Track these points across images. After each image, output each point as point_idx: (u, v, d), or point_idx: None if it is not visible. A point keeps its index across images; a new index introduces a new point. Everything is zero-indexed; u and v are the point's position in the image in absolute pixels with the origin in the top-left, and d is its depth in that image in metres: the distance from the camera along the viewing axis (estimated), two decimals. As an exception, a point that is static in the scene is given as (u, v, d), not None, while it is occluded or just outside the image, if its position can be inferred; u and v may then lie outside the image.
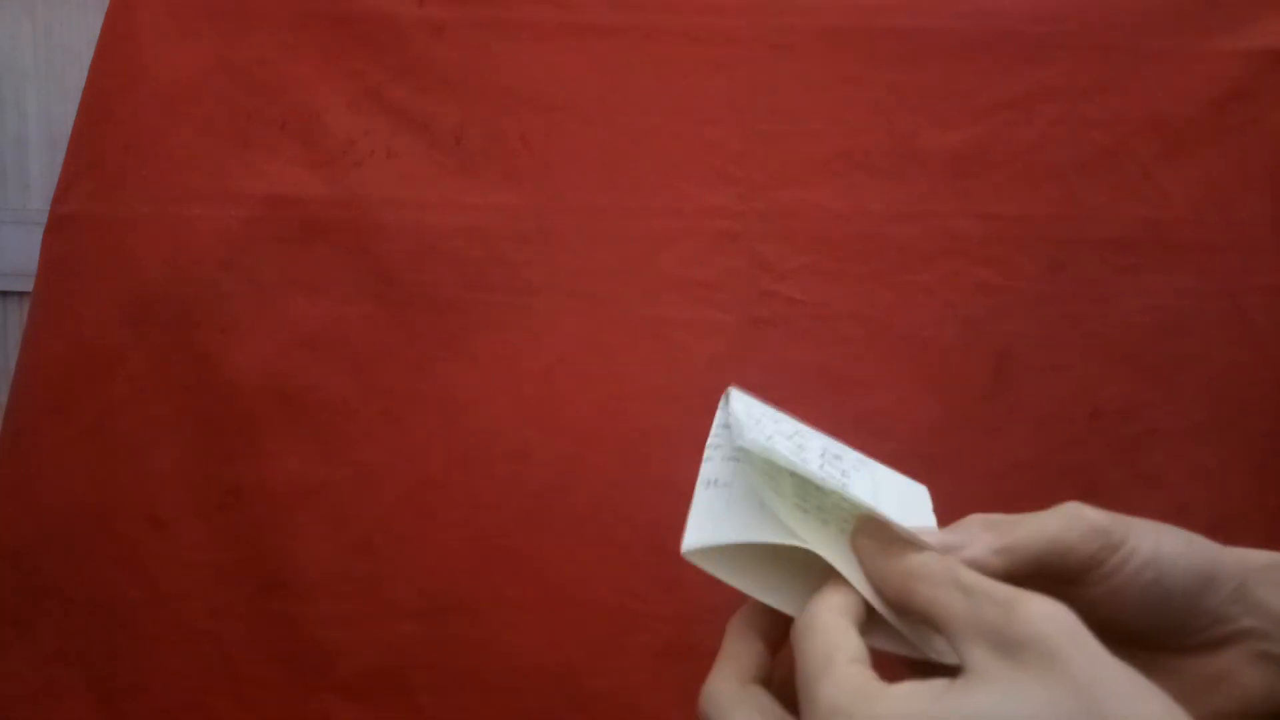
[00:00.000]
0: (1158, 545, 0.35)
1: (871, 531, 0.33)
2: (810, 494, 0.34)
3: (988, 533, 0.34)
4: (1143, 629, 0.35)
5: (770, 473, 0.33)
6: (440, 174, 0.73)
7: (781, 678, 0.33)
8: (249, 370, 0.73)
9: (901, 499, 0.38)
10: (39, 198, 1.10)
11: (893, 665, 0.32)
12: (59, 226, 0.76)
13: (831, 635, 0.30)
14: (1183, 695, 0.29)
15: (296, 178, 0.74)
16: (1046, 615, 0.27)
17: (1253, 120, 0.71)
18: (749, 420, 0.34)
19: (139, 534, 0.72)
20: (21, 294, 1.11)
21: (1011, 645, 0.27)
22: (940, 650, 0.31)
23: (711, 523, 0.33)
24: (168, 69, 0.75)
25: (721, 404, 0.37)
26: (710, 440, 0.36)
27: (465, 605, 0.70)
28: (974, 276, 0.71)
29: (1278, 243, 0.70)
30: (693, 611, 0.67)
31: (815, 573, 0.33)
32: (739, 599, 0.35)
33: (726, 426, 0.36)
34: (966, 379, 0.71)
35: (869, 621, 0.32)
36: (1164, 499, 0.69)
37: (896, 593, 0.32)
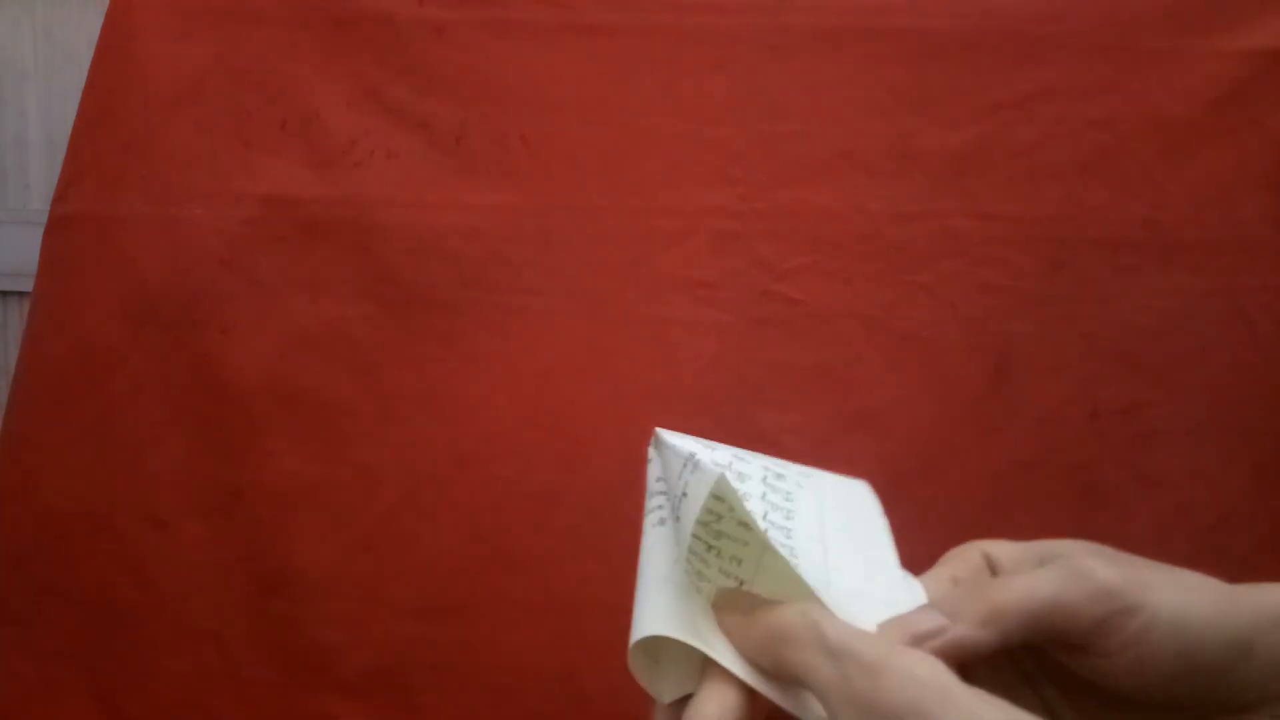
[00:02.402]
0: (1184, 611, 0.31)
1: (733, 604, 0.31)
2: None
3: (976, 599, 0.31)
4: (1168, 701, 0.32)
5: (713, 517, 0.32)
6: (440, 174, 0.73)
7: None
8: (249, 370, 0.73)
9: (849, 510, 0.36)
10: (39, 198, 1.10)
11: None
12: (59, 226, 0.76)
13: None
14: None
15: (296, 178, 0.74)
16: (915, 679, 0.26)
17: (1253, 120, 0.71)
18: (691, 449, 0.33)
19: (139, 534, 0.72)
20: (21, 294, 1.11)
21: (883, 716, 0.26)
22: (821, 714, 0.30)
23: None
24: (168, 69, 0.75)
25: (652, 452, 0.36)
26: (647, 504, 0.35)
27: (465, 605, 0.70)
28: (974, 276, 0.71)
29: (1278, 243, 0.70)
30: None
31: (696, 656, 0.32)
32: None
33: (661, 480, 0.34)
34: (966, 379, 0.71)
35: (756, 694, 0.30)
36: (1164, 499, 0.69)
37: (769, 662, 0.30)
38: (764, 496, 0.34)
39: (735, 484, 0.30)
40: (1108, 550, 0.33)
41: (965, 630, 0.31)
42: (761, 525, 0.30)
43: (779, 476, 0.35)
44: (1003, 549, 0.35)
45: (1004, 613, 0.31)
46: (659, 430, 0.35)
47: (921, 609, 0.31)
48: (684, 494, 0.32)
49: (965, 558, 0.35)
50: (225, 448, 0.73)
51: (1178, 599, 0.31)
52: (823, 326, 0.71)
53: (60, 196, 0.76)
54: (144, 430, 0.73)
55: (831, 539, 0.33)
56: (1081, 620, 0.31)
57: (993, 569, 0.35)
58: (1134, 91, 0.71)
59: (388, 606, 0.70)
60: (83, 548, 0.73)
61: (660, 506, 0.35)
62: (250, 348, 0.73)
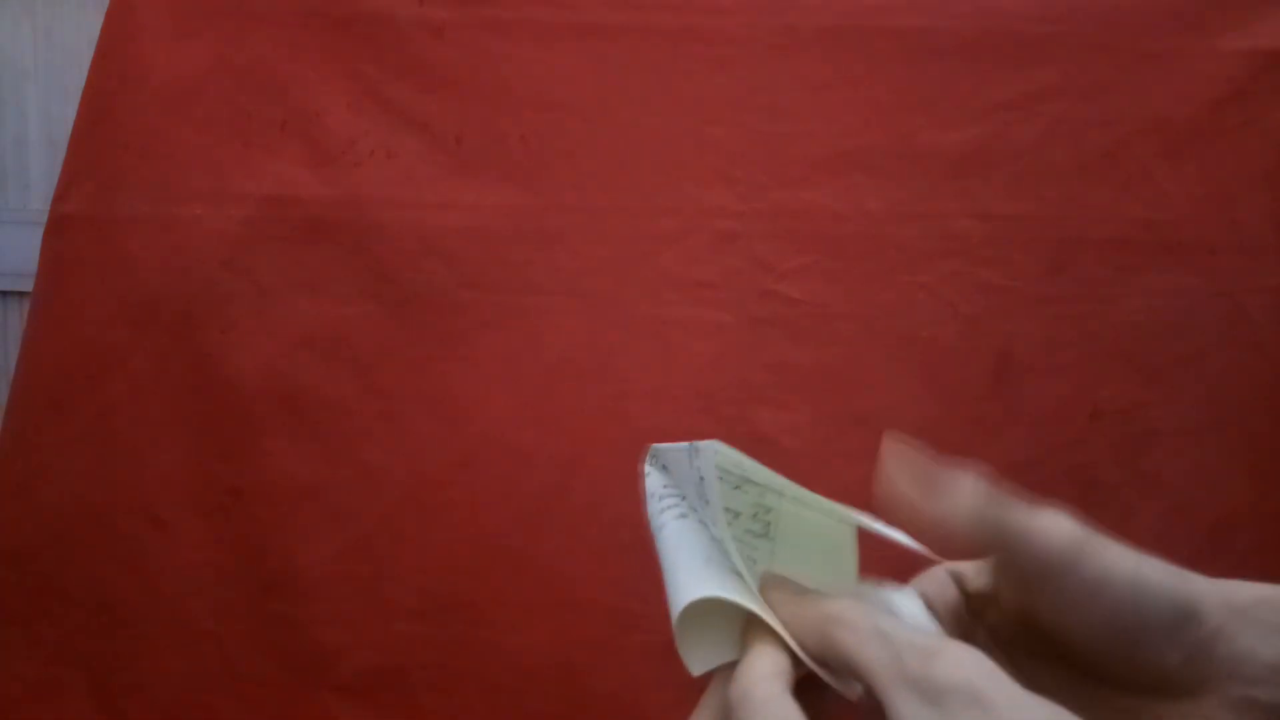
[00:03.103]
0: (1138, 566, 0.33)
1: (781, 584, 0.33)
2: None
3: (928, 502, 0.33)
4: (1114, 656, 0.33)
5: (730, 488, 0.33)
6: (440, 174, 0.73)
7: None
8: (249, 370, 0.73)
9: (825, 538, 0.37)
10: (39, 198, 1.10)
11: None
12: (59, 226, 0.76)
13: (771, 709, 0.30)
14: None
15: (296, 178, 0.74)
16: (968, 661, 0.28)
17: (1253, 120, 0.71)
18: (684, 445, 0.34)
19: (139, 534, 0.72)
20: (21, 294, 1.11)
21: (936, 692, 0.27)
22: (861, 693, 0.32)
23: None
24: (168, 69, 0.75)
25: (648, 467, 0.37)
26: (652, 519, 0.36)
27: (465, 605, 0.70)
28: (974, 276, 0.71)
29: (1278, 243, 0.70)
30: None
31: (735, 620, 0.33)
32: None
33: (669, 486, 0.36)
34: (966, 379, 0.71)
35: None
36: (1164, 499, 0.69)
37: (816, 642, 0.31)
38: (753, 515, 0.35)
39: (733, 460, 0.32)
40: None
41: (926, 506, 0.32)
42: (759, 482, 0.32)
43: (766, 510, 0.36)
44: (968, 567, 0.36)
45: (956, 519, 0.32)
46: (654, 446, 0.37)
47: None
48: (701, 478, 0.33)
49: (933, 575, 0.37)
50: (225, 448, 0.73)
51: (1135, 558, 0.32)
52: (823, 326, 0.71)
53: (60, 196, 0.76)
54: (144, 430, 0.73)
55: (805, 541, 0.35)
56: (1021, 565, 0.32)
57: (960, 584, 0.36)
58: (1134, 91, 0.71)
59: (388, 606, 0.70)
60: (83, 548, 0.73)
61: (675, 505, 0.36)
62: (250, 348, 0.73)
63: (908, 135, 0.72)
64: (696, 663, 0.33)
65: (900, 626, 0.30)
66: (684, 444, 0.34)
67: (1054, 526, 0.33)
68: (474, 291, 0.72)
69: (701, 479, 0.33)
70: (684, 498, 0.35)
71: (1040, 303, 0.70)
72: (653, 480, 0.37)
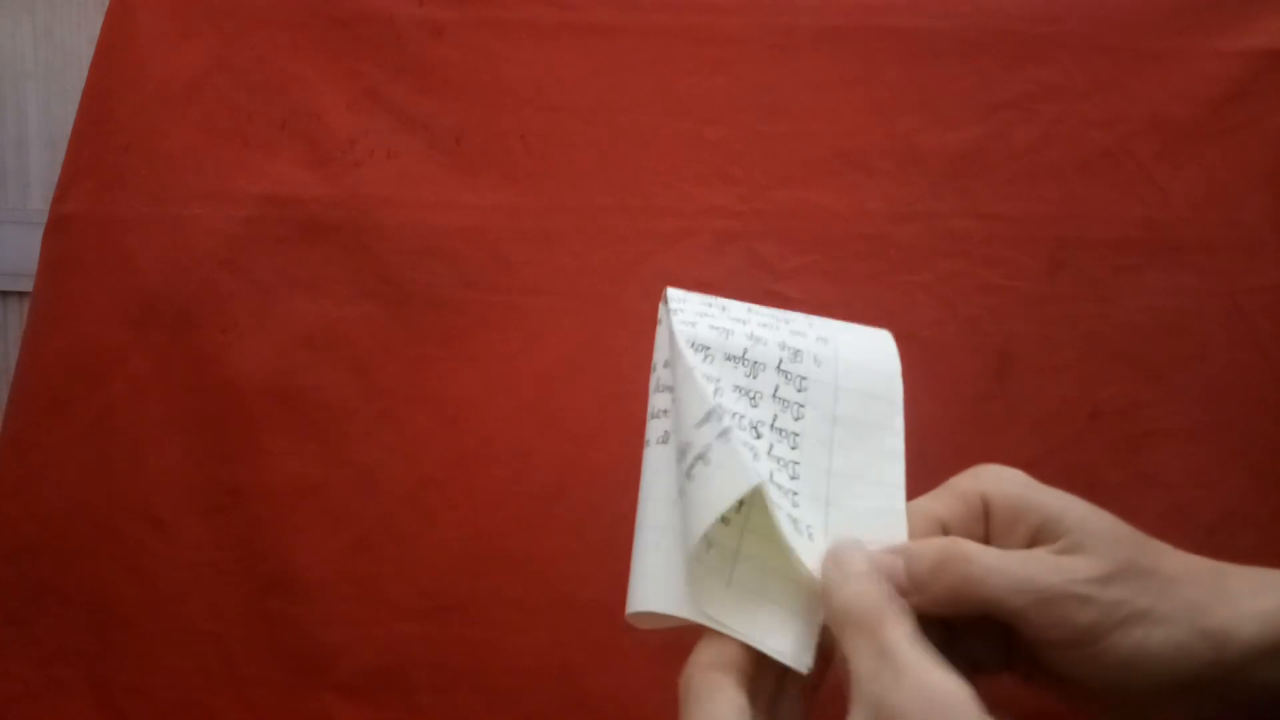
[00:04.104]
0: (1144, 647, 0.31)
1: (840, 560, 0.32)
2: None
3: (945, 578, 0.32)
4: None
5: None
6: (440, 174, 0.73)
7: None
8: (249, 370, 0.73)
9: (865, 386, 0.36)
10: (39, 198, 1.10)
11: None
12: (59, 226, 0.76)
13: (707, 702, 0.30)
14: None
15: (296, 178, 0.74)
16: (930, 689, 0.27)
17: (1253, 120, 0.71)
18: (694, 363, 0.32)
19: (139, 534, 0.72)
20: (21, 294, 1.11)
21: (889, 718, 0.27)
22: None
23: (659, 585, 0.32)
24: (168, 69, 0.75)
25: (662, 313, 0.35)
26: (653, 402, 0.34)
27: (465, 605, 0.70)
28: (974, 276, 0.71)
29: (1278, 243, 0.70)
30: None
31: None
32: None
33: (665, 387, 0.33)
34: (966, 379, 0.71)
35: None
36: (1164, 499, 0.69)
37: (836, 628, 0.31)
38: (775, 393, 0.33)
39: (747, 382, 0.30)
40: (1114, 537, 0.33)
41: (922, 602, 0.31)
42: (766, 448, 0.31)
43: (795, 356, 0.34)
44: (1005, 494, 0.35)
45: (963, 601, 0.31)
46: (668, 291, 0.34)
47: (892, 562, 0.32)
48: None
49: (965, 498, 0.35)
50: (225, 448, 0.73)
51: (1138, 642, 0.31)
52: (823, 326, 0.71)
53: (60, 196, 0.76)
54: (144, 430, 0.73)
55: (839, 440, 0.34)
56: (1035, 634, 0.32)
57: (987, 520, 0.35)
58: (1134, 91, 0.71)
59: (388, 606, 0.70)
60: (83, 548, 0.73)
61: (661, 416, 0.34)
62: (250, 348, 0.73)
63: (908, 135, 0.72)
64: (644, 612, 0.32)
65: (900, 643, 0.29)
66: (693, 362, 0.32)
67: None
68: (474, 291, 0.72)
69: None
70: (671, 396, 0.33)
71: (1040, 303, 0.70)
72: (659, 346, 0.35)
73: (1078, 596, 0.31)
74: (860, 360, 0.36)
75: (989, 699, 0.28)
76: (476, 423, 0.71)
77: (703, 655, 0.32)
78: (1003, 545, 0.34)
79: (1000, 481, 0.36)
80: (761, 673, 0.32)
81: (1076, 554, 0.33)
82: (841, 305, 0.72)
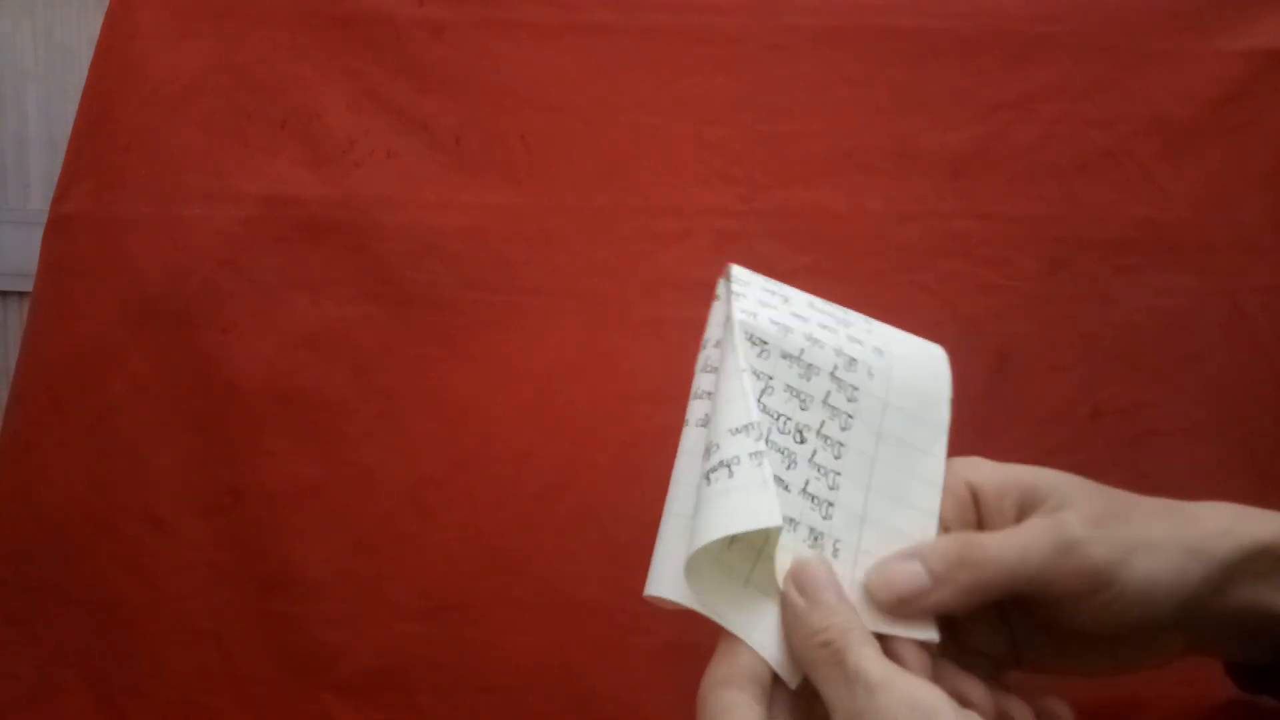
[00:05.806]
0: (1150, 581, 0.33)
1: (803, 584, 0.32)
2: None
3: (963, 568, 0.33)
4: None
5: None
6: (440, 174, 0.73)
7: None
8: (249, 370, 0.73)
9: (915, 400, 0.36)
10: (39, 198, 1.10)
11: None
12: (59, 226, 0.76)
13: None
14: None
15: (296, 178, 0.74)
16: (912, 699, 0.28)
17: (1253, 120, 0.71)
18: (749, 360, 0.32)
19: (139, 534, 0.72)
20: (21, 294, 1.11)
21: None
22: None
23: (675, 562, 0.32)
24: (168, 69, 0.75)
25: (724, 293, 0.34)
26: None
27: (465, 605, 0.70)
28: (974, 276, 0.71)
29: (1278, 243, 0.70)
30: (693, 611, 0.67)
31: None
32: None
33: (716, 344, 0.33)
34: (966, 379, 0.70)
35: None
36: (1164, 499, 0.69)
37: (805, 659, 0.31)
38: (827, 399, 0.33)
39: (800, 384, 0.30)
40: (1087, 491, 0.35)
41: (947, 596, 0.33)
42: (810, 449, 0.30)
43: (850, 364, 0.34)
44: (986, 478, 0.36)
45: (987, 584, 0.33)
46: (733, 269, 0.34)
47: (910, 568, 0.33)
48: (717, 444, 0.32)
49: (954, 492, 0.36)
50: (225, 448, 0.72)
51: (1146, 569, 0.33)
52: (823, 326, 0.71)
53: (60, 196, 0.76)
54: (144, 430, 0.73)
55: (882, 457, 0.34)
56: (1058, 591, 0.33)
57: (977, 503, 0.36)
58: (1134, 91, 0.71)
59: (388, 606, 0.70)
60: (83, 548, 0.73)
61: (701, 397, 0.34)
62: (250, 348, 0.73)
63: (908, 135, 0.72)
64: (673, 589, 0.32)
65: (865, 658, 0.29)
66: (747, 361, 0.32)
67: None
68: (474, 291, 0.72)
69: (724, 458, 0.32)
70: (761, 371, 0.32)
71: (1040, 303, 0.70)
72: (713, 324, 0.34)
73: (1083, 540, 0.33)
74: (912, 379, 0.36)
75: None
76: (476, 423, 0.71)
77: (719, 670, 0.32)
78: (997, 528, 0.35)
79: (977, 470, 0.38)
80: (780, 681, 0.33)
81: (1065, 510, 0.34)
82: (841, 305, 0.72)
